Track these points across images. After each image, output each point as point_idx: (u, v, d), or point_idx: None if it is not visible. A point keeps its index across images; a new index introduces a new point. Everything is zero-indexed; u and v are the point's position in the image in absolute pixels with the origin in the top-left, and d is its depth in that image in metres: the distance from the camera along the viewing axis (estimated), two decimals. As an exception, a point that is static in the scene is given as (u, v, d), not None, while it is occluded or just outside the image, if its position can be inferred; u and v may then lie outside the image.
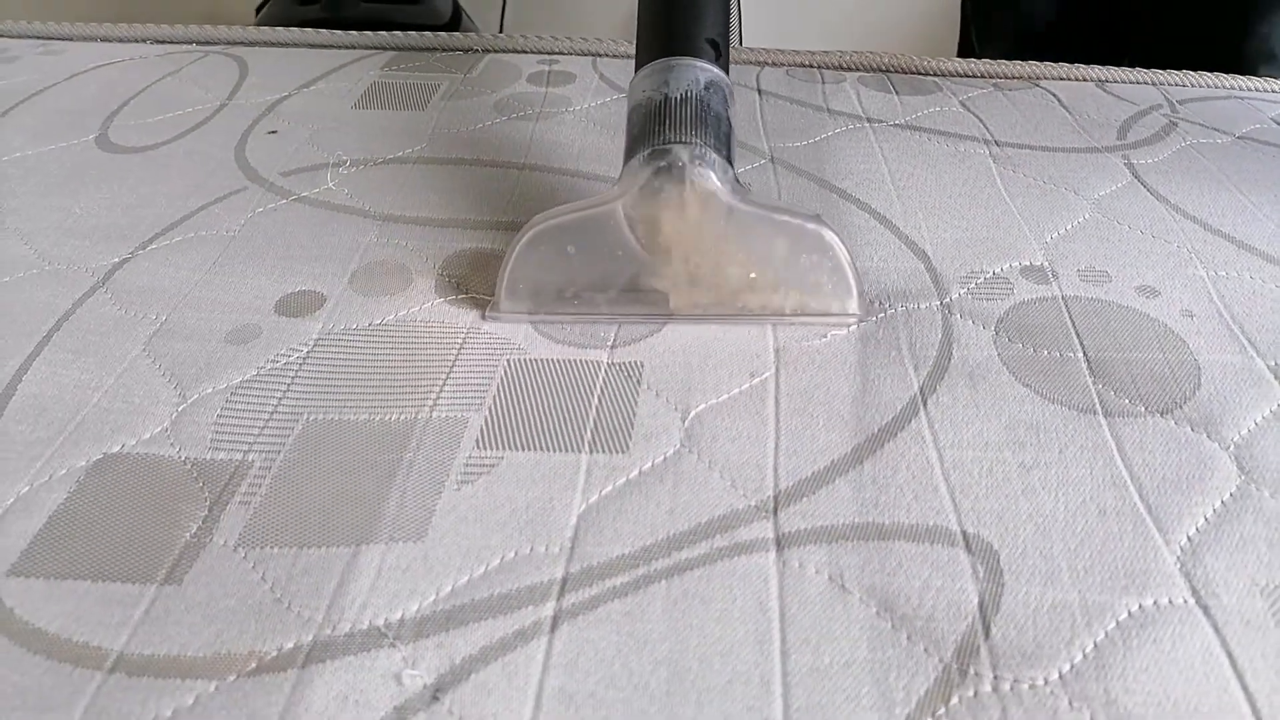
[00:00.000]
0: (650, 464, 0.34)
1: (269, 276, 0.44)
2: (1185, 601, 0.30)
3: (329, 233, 0.48)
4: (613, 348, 0.40)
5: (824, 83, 0.67)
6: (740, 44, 0.68)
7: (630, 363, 0.39)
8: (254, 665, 0.27)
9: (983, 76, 0.70)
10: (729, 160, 0.41)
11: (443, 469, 0.34)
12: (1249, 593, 0.30)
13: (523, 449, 0.35)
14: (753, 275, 0.41)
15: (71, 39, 0.74)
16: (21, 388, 0.37)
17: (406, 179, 0.53)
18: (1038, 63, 0.71)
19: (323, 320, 0.41)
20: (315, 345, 0.40)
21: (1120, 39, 0.88)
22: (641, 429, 0.36)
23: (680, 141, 0.40)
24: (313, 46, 0.73)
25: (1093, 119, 0.62)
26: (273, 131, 0.58)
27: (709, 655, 0.28)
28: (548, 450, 0.35)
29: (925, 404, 0.37)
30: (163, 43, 0.73)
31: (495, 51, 0.72)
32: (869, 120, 0.61)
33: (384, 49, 0.73)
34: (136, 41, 0.73)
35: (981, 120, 0.61)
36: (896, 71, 0.70)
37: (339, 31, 0.74)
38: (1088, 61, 0.71)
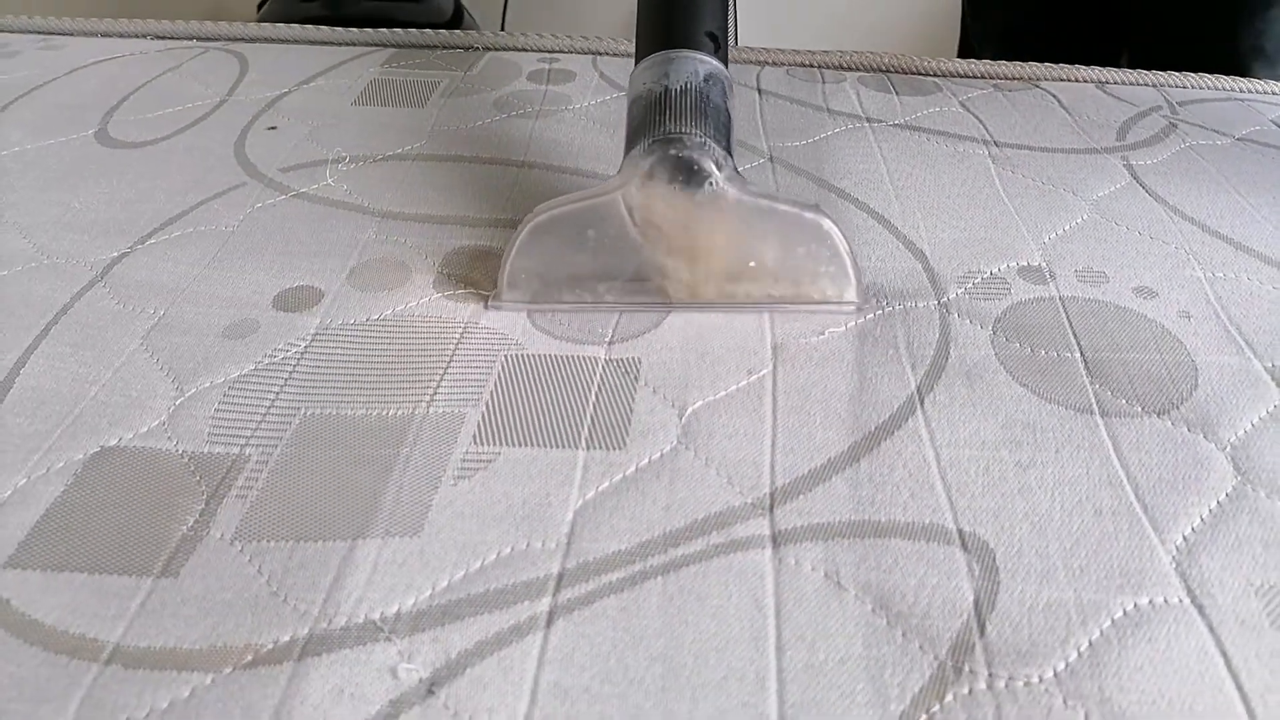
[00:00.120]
0: (647, 460, 0.34)
1: (267, 272, 0.44)
2: (1180, 601, 0.30)
3: (328, 229, 0.48)
4: (610, 344, 0.40)
5: (824, 82, 0.68)
6: (736, 44, 0.68)
7: (628, 359, 0.39)
8: (250, 658, 0.27)
9: (983, 77, 0.70)
10: (728, 151, 0.41)
11: (439, 464, 0.34)
12: (1244, 593, 0.30)
13: (520, 445, 0.35)
14: (752, 264, 0.42)
15: (72, 34, 0.74)
16: (20, 381, 0.37)
17: (406, 176, 0.53)
18: (1038, 64, 0.71)
19: (320, 315, 0.41)
20: (313, 340, 0.40)
21: (1116, 32, 0.88)
22: (639, 425, 0.36)
23: (680, 132, 0.40)
24: (313, 43, 0.73)
25: (1092, 120, 0.62)
26: (272, 127, 0.58)
27: (704, 651, 0.28)
28: (544, 446, 0.35)
29: (922, 402, 0.37)
30: (163, 38, 0.73)
31: (495, 49, 0.72)
32: (868, 120, 0.61)
33: (384, 46, 0.73)
34: (137, 37, 0.73)
35: (981, 121, 0.61)
36: (897, 72, 0.70)
37: (339, 28, 0.74)
38: (1084, 56, 0.72)
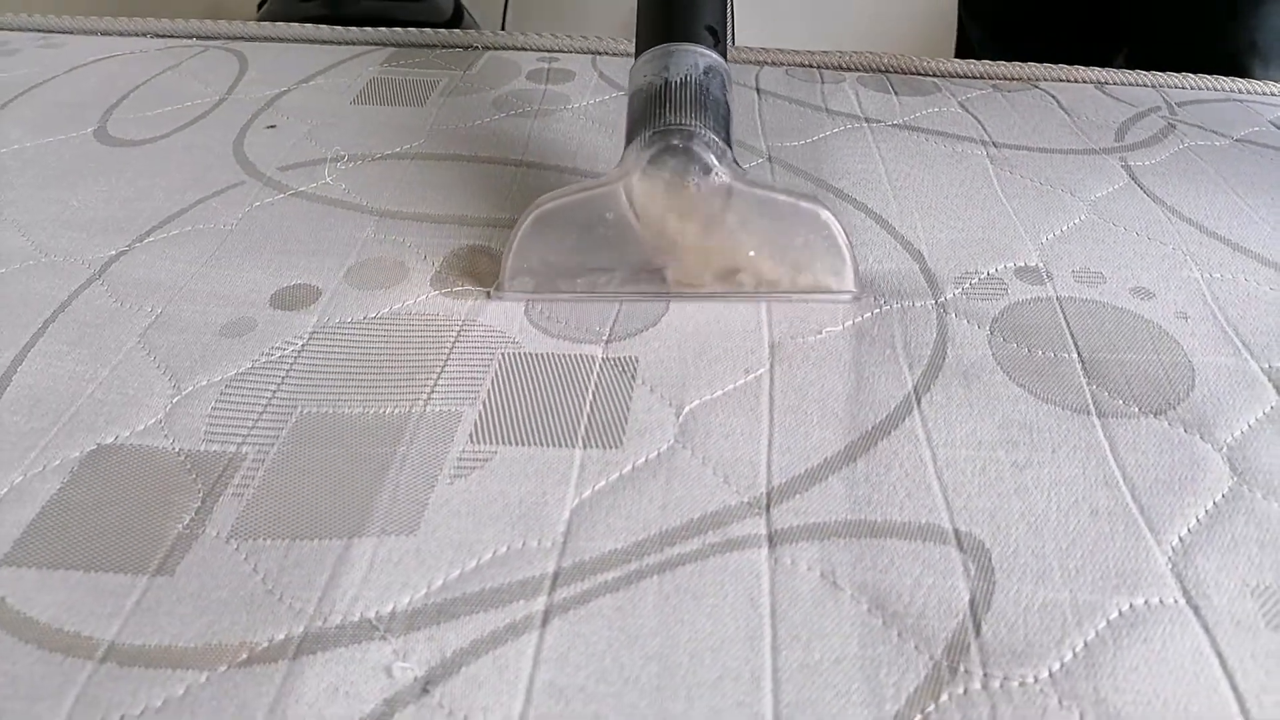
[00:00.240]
0: (644, 459, 0.34)
1: (265, 270, 0.44)
2: (1176, 602, 0.30)
3: (326, 227, 0.48)
4: (608, 342, 0.40)
5: (823, 82, 0.68)
6: (733, 43, 0.68)
7: (625, 358, 0.39)
8: (245, 656, 0.27)
9: (982, 78, 0.70)
10: (727, 142, 0.42)
11: (436, 463, 0.34)
12: (1240, 594, 0.30)
13: (516, 444, 0.35)
14: (751, 253, 0.42)
15: (71, 32, 0.74)
16: (16, 378, 0.37)
17: (404, 175, 0.53)
18: (1037, 64, 0.71)
19: (318, 314, 0.41)
20: (310, 339, 0.40)
21: (1112, 30, 0.89)
22: (635, 424, 0.36)
23: (680, 124, 0.41)
24: (312, 42, 0.73)
25: (1091, 121, 0.62)
26: (271, 126, 0.58)
27: (700, 651, 0.28)
28: (541, 445, 0.35)
29: (919, 402, 0.37)
30: (163, 37, 0.73)
31: (494, 49, 0.72)
32: (867, 120, 0.61)
33: (383, 45, 0.73)
34: (136, 35, 0.73)
35: (980, 121, 0.61)
36: (896, 72, 0.70)
37: (339, 28, 0.74)
38: (1081, 53, 0.72)
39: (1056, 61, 0.72)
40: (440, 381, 0.38)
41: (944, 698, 0.27)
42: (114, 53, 0.69)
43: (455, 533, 0.31)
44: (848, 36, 1.37)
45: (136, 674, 0.27)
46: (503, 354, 0.39)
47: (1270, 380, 0.39)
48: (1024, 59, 0.72)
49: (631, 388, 0.38)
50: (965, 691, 0.27)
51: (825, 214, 0.42)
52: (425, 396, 0.37)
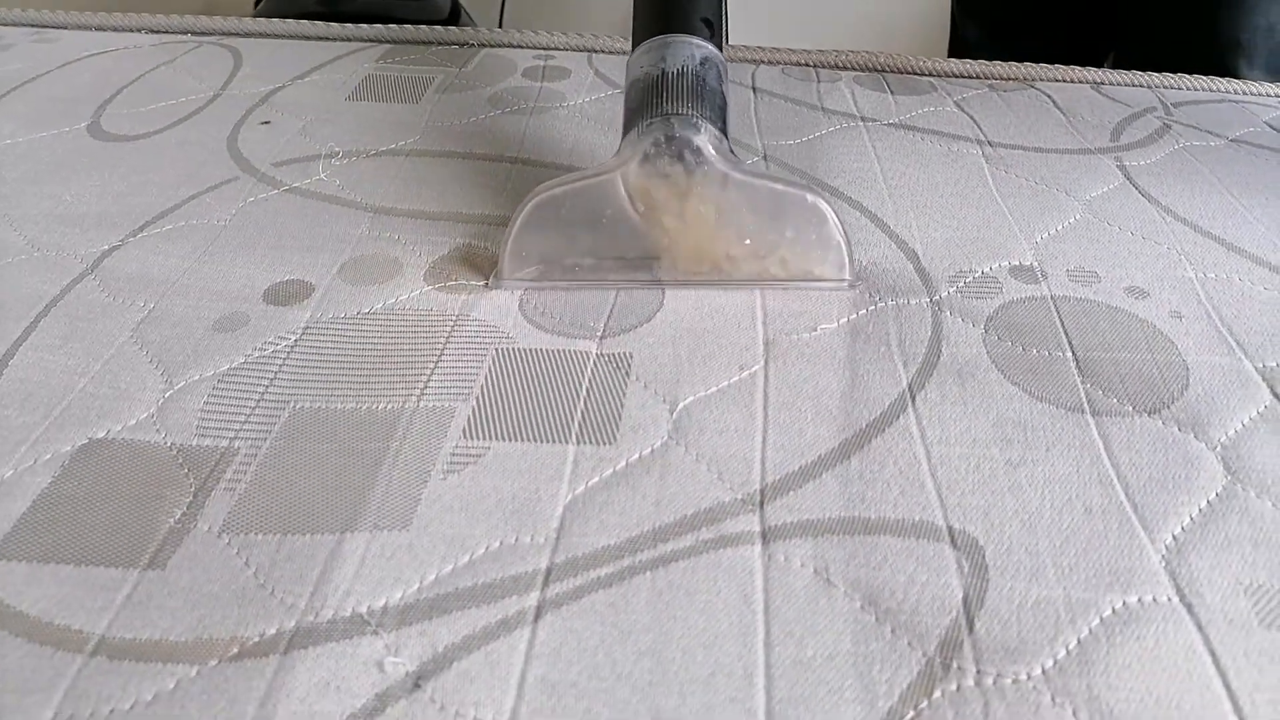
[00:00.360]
0: (638, 456, 0.34)
1: (258, 266, 0.44)
2: (1169, 600, 0.30)
3: (320, 224, 0.48)
4: (602, 338, 0.40)
5: (819, 81, 0.67)
6: (727, 42, 0.68)
7: (619, 353, 0.39)
8: (236, 650, 0.27)
9: (978, 77, 0.70)
10: (724, 132, 0.42)
11: (429, 458, 0.34)
12: (1233, 592, 0.30)
13: (510, 439, 0.35)
14: (747, 241, 0.42)
15: (65, 27, 0.74)
16: (8, 372, 0.37)
17: (399, 171, 0.53)
18: (1033, 64, 0.71)
19: (311, 309, 0.41)
20: (303, 334, 0.40)
21: (1103, 27, 0.89)
22: (629, 420, 0.36)
23: (677, 113, 0.41)
24: (307, 39, 0.73)
25: (1086, 121, 0.62)
26: (265, 122, 0.58)
27: (692, 647, 0.28)
28: (535, 441, 0.35)
29: (914, 400, 0.37)
30: (157, 32, 0.73)
31: (490, 46, 0.72)
32: (863, 119, 0.61)
33: (379, 42, 0.72)
34: (131, 31, 0.73)
35: (975, 121, 0.61)
36: (892, 71, 0.70)
37: (334, 24, 0.74)
38: (1072, 50, 0.72)
39: (1049, 59, 0.72)
40: (434, 377, 0.38)
41: (937, 694, 0.27)
42: (108, 48, 0.69)
43: (448, 528, 0.31)
44: (841, 34, 1.37)
45: (127, 668, 0.27)
46: (497, 349, 0.39)
47: (1264, 379, 0.39)
48: (1017, 57, 0.73)
49: (625, 384, 0.37)
50: (958, 688, 0.27)
51: (820, 203, 0.42)
52: (418, 392, 0.37)
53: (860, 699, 0.27)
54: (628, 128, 0.43)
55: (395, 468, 0.33)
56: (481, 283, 0.43)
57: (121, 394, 0.36)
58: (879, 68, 0.71)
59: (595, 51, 0.72)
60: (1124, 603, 0.29)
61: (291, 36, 0.73)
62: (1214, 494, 0.34)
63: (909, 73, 0.70)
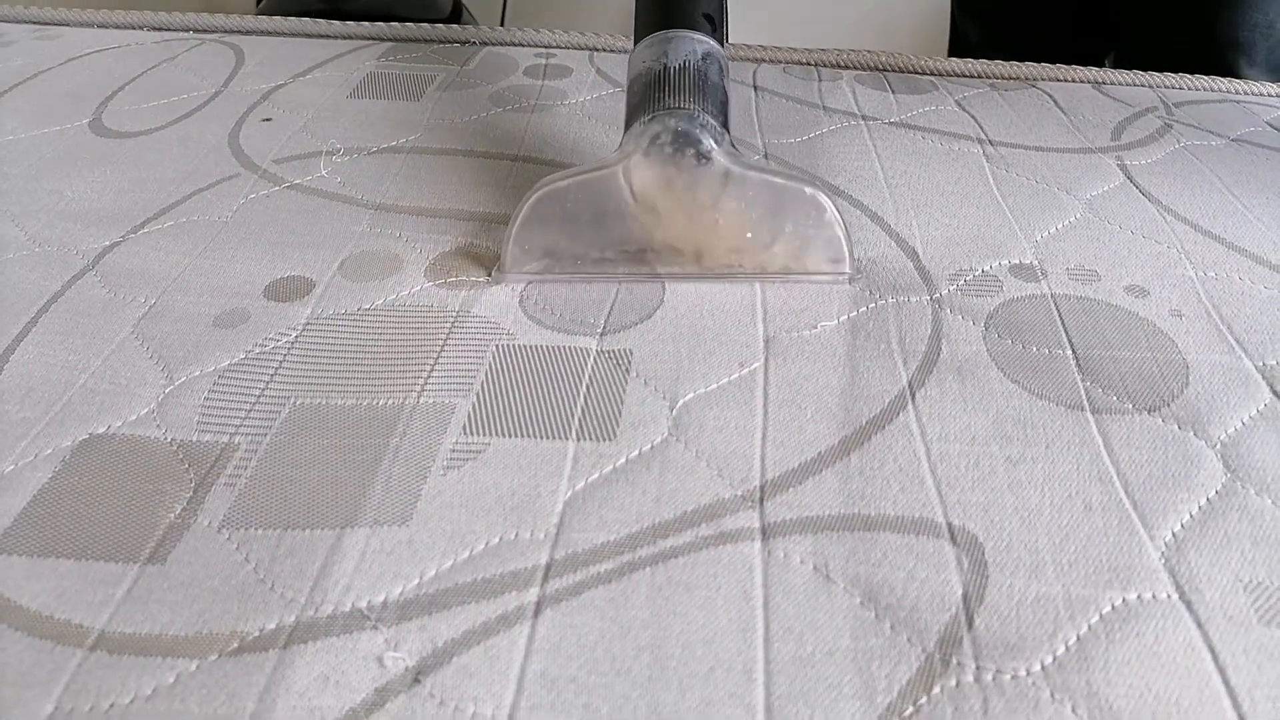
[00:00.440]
0: (637, 452, 0.34)
1: (259, 262, 0.44)
2: (1169, 597, 0.30)
3: (321, 220, 0.48)
4: (602, 335, 0.40)
5: (820, 80, 0.68)
6: (727, 41, 0.68)
7: (619, 350, 0.39)
8: (236, 645, 0.27)
9: (979, 77, 0.70)
10: (725, 126, 0.43)
11: (429, 454, 0.34)
12: (1232, 589, 0.30)
13: (510, 435, 0.35)
14: (748, 235, 0.43)
15: (68, 24, 0.74)
16: (9, 368, 0.37)
17: (400, 168, 0.53)
18: (1034, 64, 0.71)
19: (312, 305, 0.41)
20: (304, 330, 0.40)
21: (1103, 26, 0.89)
22: (629, 417, 0.36)
23: (679, 108, 0.41)
24: (309, 36, 0.73)
25: (1088, 120, 0.62)
26: (267, 119, 0.58)
27: (692, 642, 0.28)
28: (535, 437, 0.35)
29: (914, 397, 0.37)
30: (159, 30, 0.73)
31: (492, 44, 0.72)
32: (864, 118, 0.61)
33: (381, 40, 0.72)
34: (133, 28, 0.73)
35: (976, 120, 0.61)
36: (893, 70, 0.70)
37: (336, 22, 0.74)
38: (1072, 49, 0.72)
39: (1049, 58, 0.72)
40: (434, 373, 0.38)
41: (936, 690, 0.27)
42: (110, 45, 0.69)
43: (448, 523, 0.31)
44: (841, 33, 1.37)
45: (127, 662, 0.27)
46: (497, 346, 0.39)
47: (1264, 378, 0.39)
48: (1017, 55, 0.73)
49: (625, 380, 0.37)
50: (957, 684, 0.27)
51: (820, 197, 0.42)
52: (419, 388, 0.37)
53: (859, 695, 0.27)
54: (630, 122, 0.43)
55: (395, 463, 0.33)
56: (482, 279, 0.43)
57: (122, 389, 0.37)
58: (880, 67, 0.71)
59: (597, 50, 0.72)
60: (1123, 599, 0.29)
61: (293, 34, 0.73)
62: (1213, 491, 0.34)
63: (910, 72, 0.70)
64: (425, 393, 0.37)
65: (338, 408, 0.36)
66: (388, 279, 0.43)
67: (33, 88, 0.62)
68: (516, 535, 0.31)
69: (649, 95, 0.43)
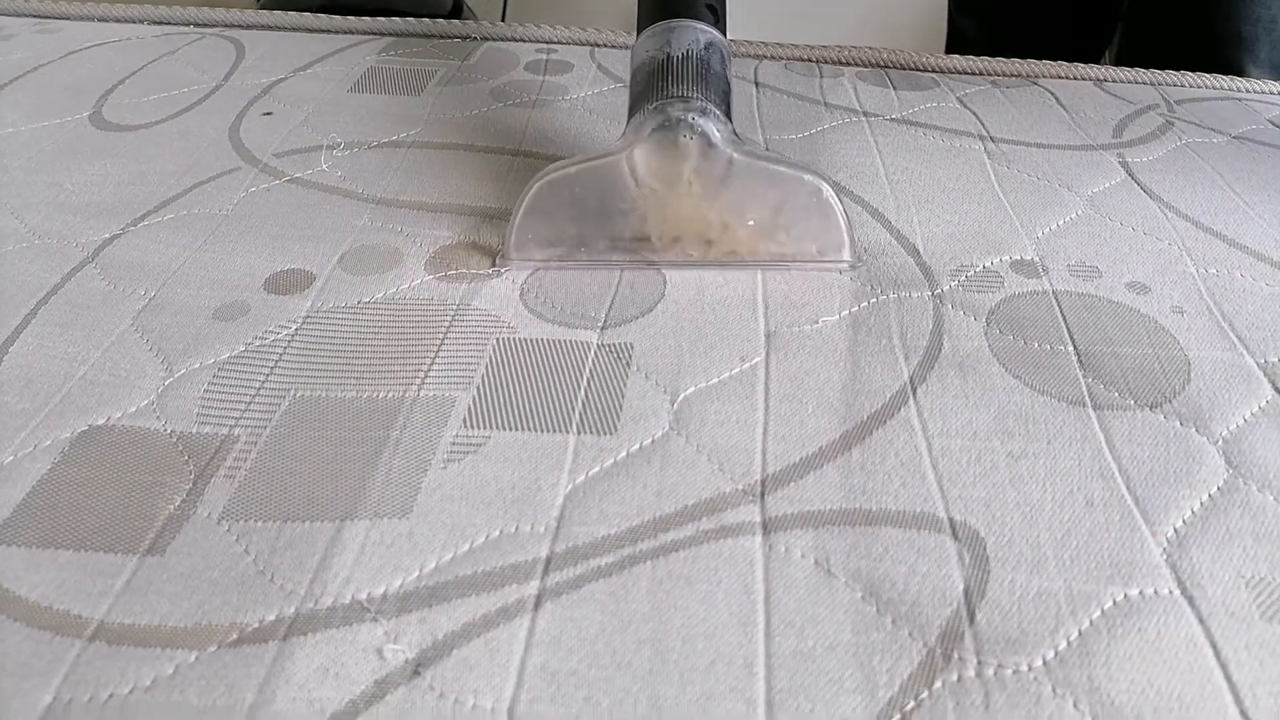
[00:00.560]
0: (638, 446, 0.34)
1: (259, 255, 0.44)
2: (1170, 592, 0.30)
3: (321, 214, 0.48)
4: (603, 328, 0.40)
5: (822, 77, 0.67)
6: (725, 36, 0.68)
7: (620, 344, 0.39)
8: (235, 636, 0.27)
9: (981, 74, 0.70)
10: (728, 115, 0.43)
11: (429, 447, 0.34)
12: (1234, 585, 0.30)
13: (510, 429, 0.35)
14: (750, 223, 0.43)
15: (68, 18, 0.74)
16: (8, 359, 0.37)
17: (401, 162, 0.53)
18: (1036, 61, 0.71)
19: (312, 298, 0.41)
20: (304, 322, 0.40)
21: (1102, 20, 0.89)
22: (630, 411, 0.36)
23: (682, 96, 0.42)
24: (310, 31, 0.73)
25: (1089, 117, 0.62)
26: (268, 113, 0.58)
27: (692, 636, 0.28)
28: (535, 430, 0.35)
29: (915, 392, 0.37)
30: (160, 23, 0.73)
31: (493, 39, 0.72)
32: (865, 114, 0.61)
33: (381, 35, 0.72)
34: (133, 22, 0.73)
35: (978, 116, 0.61)
36: (895, 67, 0.70)
37: (336, 16, 0.74)
38: (1071, 44, 0.72)
39: (1045, 51, 0.72)
40: (434, 366, 0.37)
41: (938, 684, 0.27)
42: (110, 39, 0.69)
43: (448, 516, 0.31)
44: (839, 28, 1.36)
45: (126, 653, 0.27)
46: (497, 339, 0.39)
47: (1266, 375, 0.39)
48: (1013, 48, 0.73)
49: (626, 374, 0.37)
50: (959, 679, 0.27)
51: (822, 184, 0.43)
52: (419, 381, 0.37)
53: (861, 689, 0.27)
54: (633, 110, 0.43)
55: (396, 456, 0.33)
56: (483, 272, 0.43)
57: (122, 381, 0.36)
58: (882, 63, 0.71)
59: (597, 46, 0.72)
60: (1125, 595, 0.29)
61: (294, 29, 0.73)
62: (1215, 488, 0.33)
63: (912, 68, 0.70)
64: (425, 385, 0.36)
65: (338, 400, 0.36)
66: (388, 272, 0.43)
67: (33, 81, 0.61)
68: (517, 528, 0.31)
69: (652, 84, 0.43)
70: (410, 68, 0.66)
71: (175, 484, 0.32)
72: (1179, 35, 0.80)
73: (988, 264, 0.45)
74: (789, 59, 0.71)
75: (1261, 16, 0.76)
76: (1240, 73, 0.74)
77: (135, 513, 0.31)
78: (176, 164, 0.52)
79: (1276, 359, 0.40)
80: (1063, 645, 0.28)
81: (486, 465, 0.33)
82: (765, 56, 0.72)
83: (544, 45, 0.71)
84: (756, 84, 0.66)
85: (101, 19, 0.73)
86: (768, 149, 0.56)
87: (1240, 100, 0.67)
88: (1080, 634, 0.28)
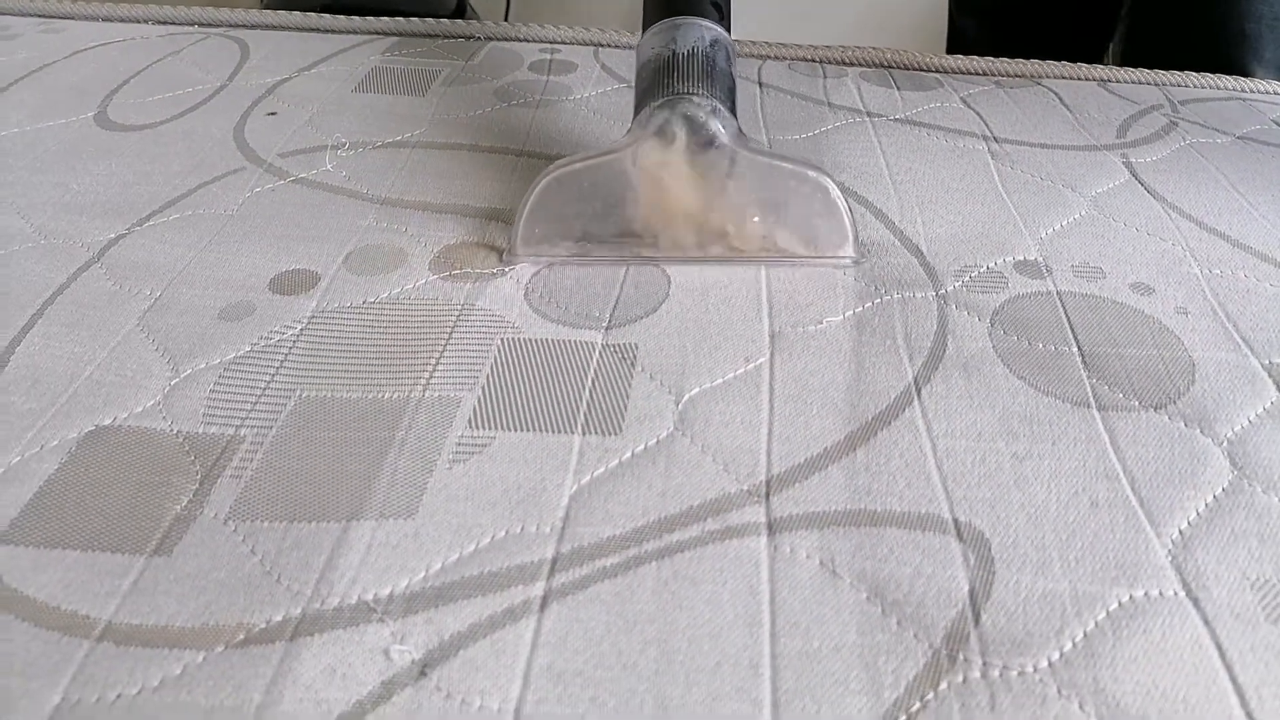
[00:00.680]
0: (643, 446, 0.34)
1: (264, 255, 0.44)
2: (1175, 594, 0.30)
3: (326, 214, 0.48)
4: (608, 329, 0.40)
5: (825, 77, 0.67)
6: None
7: (625, 344, 0.39)
8: (242, 637, 0.27)
9: (985, 74, 0.70)
10: (732, 111, 0.43)
11: (435, 447, 0.34)
12: (1239, 586, 0.30)
13: (515, 429, 0.35)
14: (755, 219, 0.44)
15: (73, 17, 0.74)
16: (15, 359, 0.37)
17: (405, 163, 0.53)
18: (1040, 61, 0.71)
19: (317, 298, 0.41)
20: (309, 323, 0.40)
21: (1100, 17, 0.89)
22: (635, 411, 0.36)
23: (688, 93, 0.42)
24: (314, 31, 0.73)
25: (1093, 117, 0.62)
26: (272, 113, 0.58)
27: (698, 637, 0.28)
28: (541, 431, 0.35)
29: (919, 393, 0.37)
30: (164, 23, 0.73)
31: (497, 39, 0.72)
32: (869, 115, 0.61)
33: (385, 34, 0.72)
34: (138, 22, 0.73)
35: (981, 117, 0.61)
36: (899, 67, 0.70)
37: (341, 16, 0.74)
38: (1068, 40, 0.72)
39: (1045, 53, 0.72)
40: (439, 366, 0.38)
41: (943, 686, 0.27)
42: (115, 38, 0.69)
43: (454, 517, 0.31)
44: (839, 27, 1.36)
45: (134, 653, 0.27)
46: (502, 339, 0.39)
47: (1270, 376, 0.39)
48: (1013, 46, 0.73)
49: (631, 374, 0.37)
50: (964, 680, 0.27)
51: (826, 180, 0.43)
52: (424, 381, 0.37)
53: (866, 690, 0.27)
54: (639, 107, 0.44)
55: (401, 456, 0.33)
56: (488, 271, 0.43)
57: (128, 381, 0.37)
58: (885, 63, 0.71)
59: (601, 46, 0.72)
60: (1130, 596, 0.29)
61: (298, 28, 0.73)
62: (1220, 489, 0.33)
63: (915, 69, 0.70)
64: (431, 386, 0.37)
65: (343, 400, 0.36)
66: (393, 272, 0.43)
67: (38, 80, 0.62)
68: (522, 529, 0.31)
69: (658, 80, 0.43)
70: (414, 68, 0.66)
71: (182, 484, 0.32)
72: (1182, 34, 0.80)
73: (991, 264, 0.45)
74: (793, 59, 0.71)
75: (1265, 15, 0.76)
76: (1244, 71, 0.74)
77: (142, 513, 0.31)
78: (181, 164, 0.52)
79: (1281, 360, 0.40)
80: (1068, 647, 0.28)
81: (492, 466, 0.33)
82: (769, 56, 0.72)
83: (548, 45, 0.71)
84: (760, 84, 0.66)
85: (106, 19, 0.73)
86: (771, 148, 0.56)
87: (1244, 100, 0.67)
88: (1085, 635, 0.28)
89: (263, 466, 0.33)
